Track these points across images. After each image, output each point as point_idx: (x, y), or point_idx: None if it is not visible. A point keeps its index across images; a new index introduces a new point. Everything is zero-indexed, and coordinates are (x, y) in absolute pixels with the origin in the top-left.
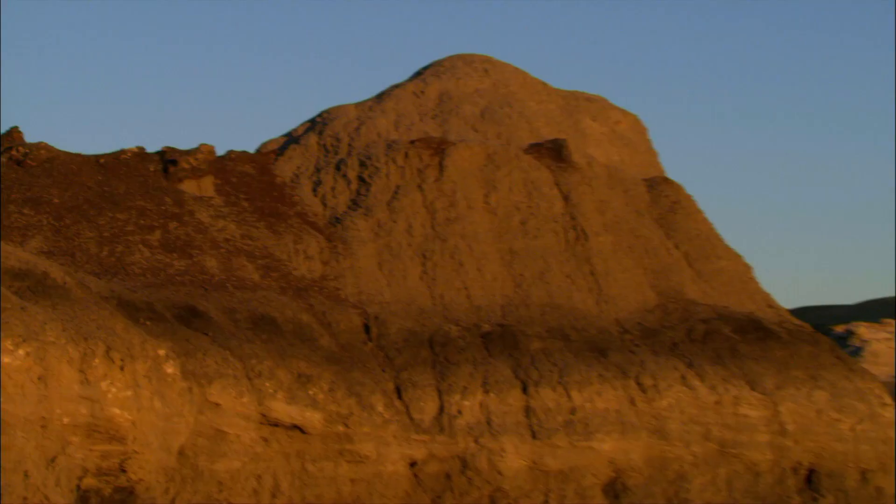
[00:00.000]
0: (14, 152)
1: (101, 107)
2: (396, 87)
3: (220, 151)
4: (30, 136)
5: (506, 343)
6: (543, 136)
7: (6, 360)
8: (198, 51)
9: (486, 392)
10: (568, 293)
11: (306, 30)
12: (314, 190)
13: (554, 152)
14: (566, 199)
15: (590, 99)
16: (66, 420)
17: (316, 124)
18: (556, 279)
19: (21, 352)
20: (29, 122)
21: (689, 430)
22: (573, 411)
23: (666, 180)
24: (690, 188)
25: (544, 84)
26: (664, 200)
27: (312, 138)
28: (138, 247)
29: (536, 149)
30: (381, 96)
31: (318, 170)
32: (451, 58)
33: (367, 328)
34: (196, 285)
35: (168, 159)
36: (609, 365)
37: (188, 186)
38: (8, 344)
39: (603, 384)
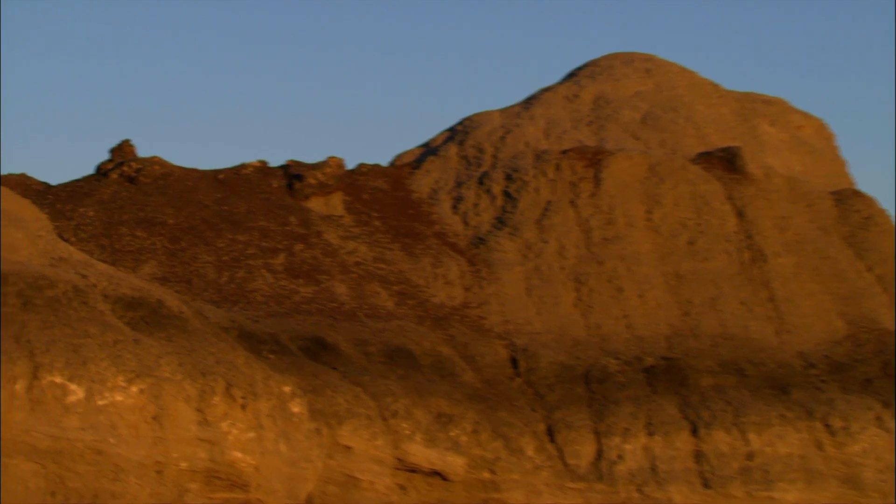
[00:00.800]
0: (126, 168)
1: (218, 116)
2: (547, 90)
3: (349, 165)
4: (142, 150)
5: (672, 379)
6: (714, 143)
7: (118, 397)
8: (323, 53)
9: (651, 434)
10: (743, 322)
11: (444, 28)
12: (454, 207)
13: (726, 162)
14: (741, 215)
15: (767, 101)
16: (183, 465)
17: (456, 133)
18: (730, 306)
19: (134, 389)
20: (139, 134)
21: (887, 479)
22: (750, 457)
23: (856, 193)
24: (885, 202)
25: (715, 85)
26: (854, 216)
27: (452, 149)
28: (261, 272)
29: (706, 158)
30: (529, 101)
31: (458, 184)
32: (608, 57)
33: (514, 362)
34: (324, 314)
35: (293, 174)
36: (792, 404)
37: (315, 204)
38: (120, 380)
39: (785, 426)
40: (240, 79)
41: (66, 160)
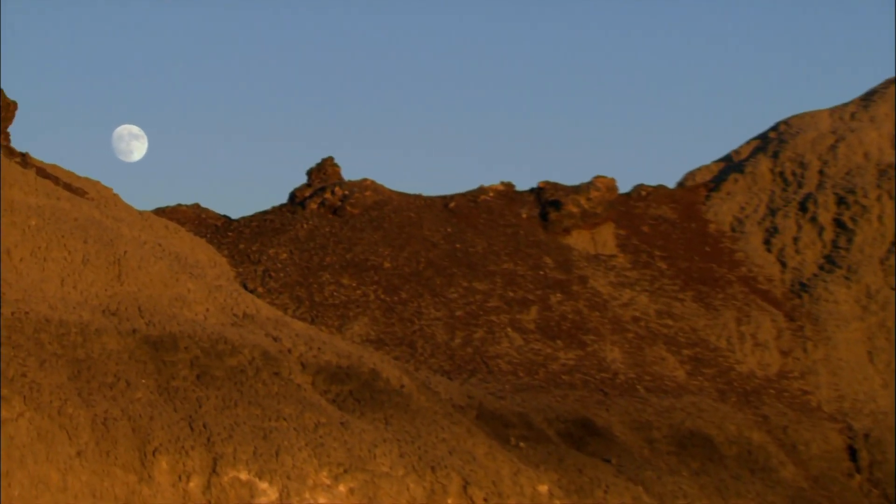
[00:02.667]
0: (328, 195)
1: (445, 126)
2: (894, 82)
3: (623, 187)
4: (348, 172)
5: None
6: None
7: (322, 500)
8: (583, 42)
9: None
10: None
11: (748, 9)
12: (767, 242)
13: None
14: None
15: None
16: None
17: (768, 142)
18: None
19: (342, 488)
20: (343, 151)
21: None
22: None
23: None
24: None
25: None
26: None
27: (763, 164)
28: (506, 331)
29: None
30: (868, 97)
31: (771, 211)
32: None
33: (852, 452)
34: (591, 388)
35: (548, 201)
36: None
37: (577, 240)
38: (324, 476)
39: None
40: (470, 76)
41: (252, 186)
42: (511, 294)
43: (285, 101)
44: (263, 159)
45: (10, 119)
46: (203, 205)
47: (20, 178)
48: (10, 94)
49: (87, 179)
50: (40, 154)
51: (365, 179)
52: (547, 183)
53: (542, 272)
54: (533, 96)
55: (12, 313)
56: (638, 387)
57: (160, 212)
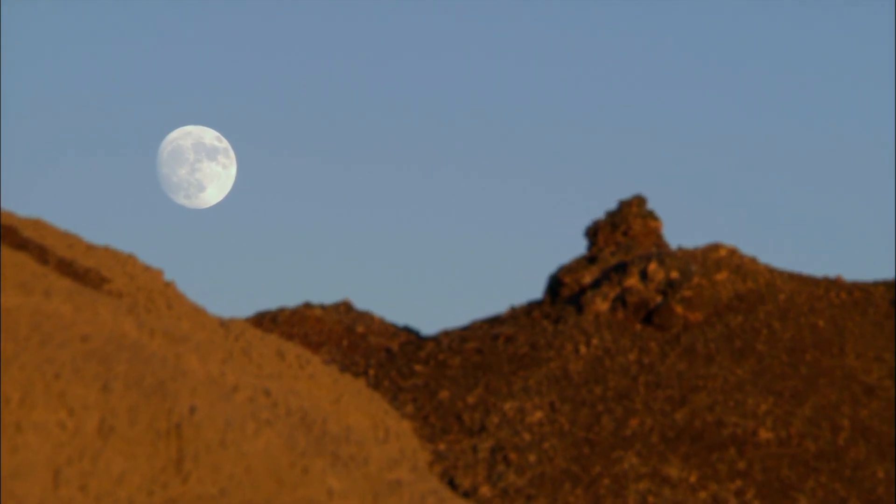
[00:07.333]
0: (634, 282)
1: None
2: None
3: None
4: (674, 233)
5: None
6: None
7: None
8: None
9: None
10: None
11: None
12: None
13: None
14: None
15: None
16: None
17: None
18: None
19: None
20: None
21: None
22: None
23: None
24: None
25: None
26: None
27: None
28: None
29: None
30: None
31: None
32: None
33: None
34: None
35: None
36: None
37: None
38: None
39: None
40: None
41: (462, 268)
42: None
43: (527, 100)
44: (486, 208)
45: None
46: (358, 306)
47: None
48: None
49: (107, 251)
50: (10, 199)
51: (717, 247)
52: None
53: None
54: None
55: None
56: None
57: (266, 320)
